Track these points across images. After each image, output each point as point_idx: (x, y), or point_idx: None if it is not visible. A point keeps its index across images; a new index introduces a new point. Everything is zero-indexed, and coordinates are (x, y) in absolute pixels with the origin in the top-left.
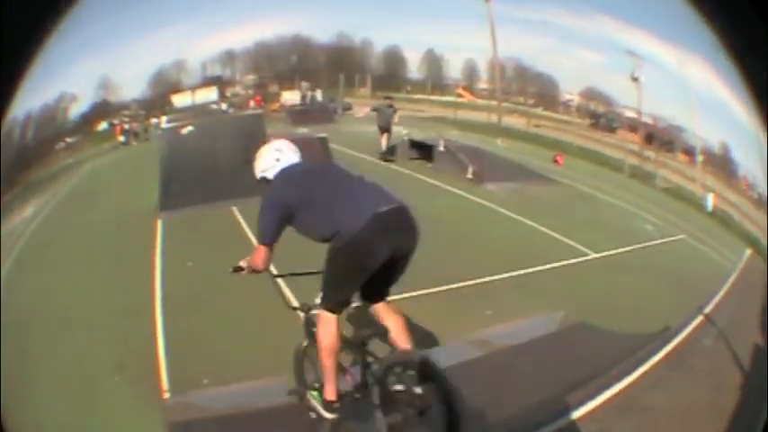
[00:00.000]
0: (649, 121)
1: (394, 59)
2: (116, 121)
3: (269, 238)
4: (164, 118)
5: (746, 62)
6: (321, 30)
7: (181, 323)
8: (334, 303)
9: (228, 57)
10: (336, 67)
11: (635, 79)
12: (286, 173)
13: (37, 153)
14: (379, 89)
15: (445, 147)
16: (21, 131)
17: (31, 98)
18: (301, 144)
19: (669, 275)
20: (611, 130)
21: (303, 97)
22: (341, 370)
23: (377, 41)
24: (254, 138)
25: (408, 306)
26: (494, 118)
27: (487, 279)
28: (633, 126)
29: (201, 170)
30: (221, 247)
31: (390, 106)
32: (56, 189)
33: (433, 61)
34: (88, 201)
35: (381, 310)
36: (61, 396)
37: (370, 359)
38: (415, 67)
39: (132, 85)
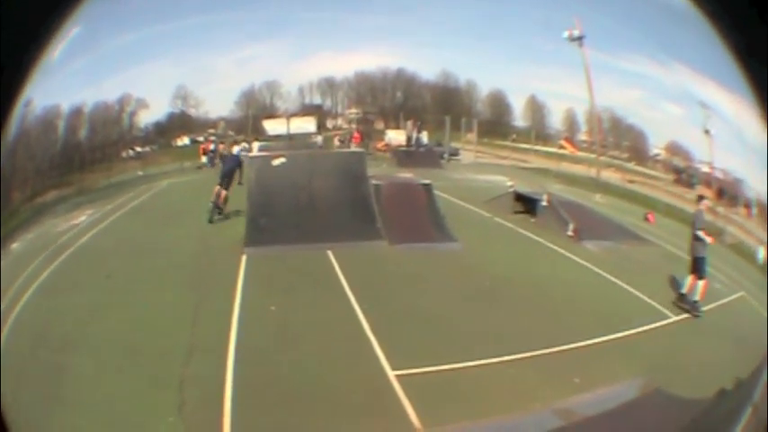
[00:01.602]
0: (720, 176)
1: (499, 104)
2: (200, 139)
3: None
4: (255, 144)
5: None
6: (425, 66)
7: (254, 371)
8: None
9: (328, 85)
10: (442, 108)
11: (707, 132)
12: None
13: (94, 156)
14: (485, 135)
15: (548, 202)
16: (67, 126)
17: (78, 91)
18: (405, 188)
19: (731, 335)
20: (691, 186)
21: (409, 138)
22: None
23: (482, 84)
24: (356, 178)
25: (502, 371)
26: (593, 171)
27: (578, 344)
28: (708, 181)
29: (295, 207)
30: (310, 293)
31: None
32: (121, 200)
33: (537, 109)
34: (163, 221)
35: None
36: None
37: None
38: (519, 114)
39: (217, 102)
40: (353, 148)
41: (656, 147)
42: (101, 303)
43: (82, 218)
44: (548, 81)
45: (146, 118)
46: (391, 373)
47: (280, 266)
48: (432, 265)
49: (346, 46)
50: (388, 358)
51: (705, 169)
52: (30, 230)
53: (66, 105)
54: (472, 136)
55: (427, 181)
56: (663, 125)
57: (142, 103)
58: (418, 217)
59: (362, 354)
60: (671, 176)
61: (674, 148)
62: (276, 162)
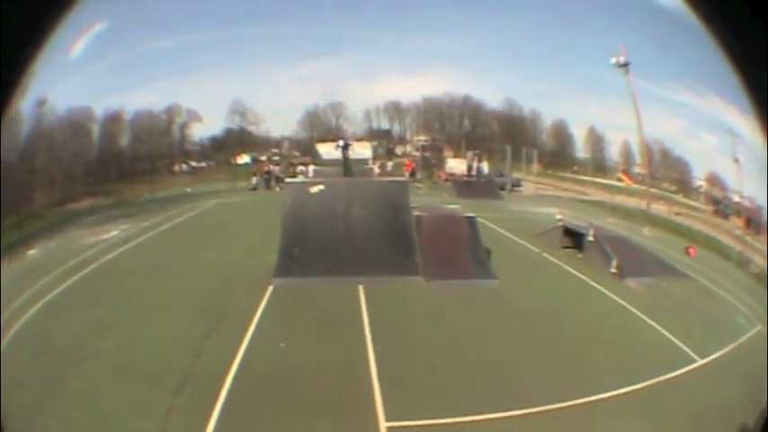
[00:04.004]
0: (747, 204)
1: (562, 135)
2: (263, 158)
3: None
4: (311, 167)
5: None
6: (490, 92)
7: (242, 410)
8: None
9: (395, 109)
10: (508, 137)
11: (736, 160)
12: None
13: (136, 167)
14: (550, 166)
15: (594, 237)
16: (103, 131)
17: (112, 94)
18: (448, 221)
19: (751, 375)
20: (726, 216)
21: (469, 168)
22: None
23: (545, 113)
24: (398, 209)
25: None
26: (643, 204)
27: (596, 397)
28: (738, 210)
29: (331, 237)
30: (327, 331)
31: None
32: (161, 218)
33: (596, 140)
34: (199, 244)
35: None
36: None
37: None
38: (581, 146)
39: (278, 120)
40: (396, 178)
41: (699, 178)
42: (111, 322)
43: (114, 232)
44: (605, 111)
45: (199, 132)
46: (383, 425)
47: (304, 299)
48: (462, 305)
49: (412, 68)
50: (385, 407)
51: (736, 198)
52: (52, 238)
53: (99, 109)
54: (535, 167)
55: (472, 214)
56: (702, 155)
57: (194, 115)
58: (459, 252)
59: (360, 401)
60: (711, 208)
61: (713, 179)
62: (314, 189)
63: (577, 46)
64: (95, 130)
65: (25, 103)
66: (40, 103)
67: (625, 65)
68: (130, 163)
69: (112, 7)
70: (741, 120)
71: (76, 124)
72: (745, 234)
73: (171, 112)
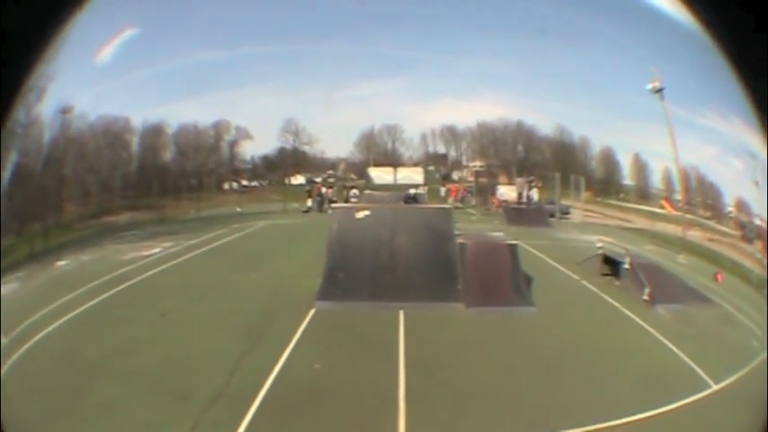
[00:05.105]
0: (765, 227)
1: (609, 162)
2: (317, 180)
3: None
4: (366, 192)
5: None
6: (542, 118)
7: (271, 427)
8: None
9: (451, 134)
10: (558, 164)
11: (756, 183)
12: None
13: (182, 184)
14: (599, 193)
15: (630, 265)
16: (143, 144)
17: (152, 107)
18: (490, 249)
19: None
20: (751, 241)
21: (519, 195)
22: None
23: (594, 140)
24: (441, 236)
25: None
26: (680, 231)
27: (605, 425)
28: (759, 234)
29: (375, 263)
30: (362, 354)
31: None
32: (207, 237)
33: (640, 167)
34: (245, 265)
35: None
36: None
37: None
38: (627, 173)
39: (333, 141)
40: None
41: (729, 204)
42: (145, 338)
43: (155, 249)
44: (647, 138)
45: (250, 150)
46: None
47: (344, 323)
48: (499, 332)
49: (466, 92)
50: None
51: (757, 222)
52: (86, 251)
53: (137, 121)
54: (585, 194)
55: (514, 241)
56: (731, 180)
57: (244, 133)
58: (499, 279)
59: (385, 423)
60: (738, 233)
61: (740, 204)
62: (360, 215)
63: (622, 72)
64: (134, 141)
65: (45, 108)
66: (66, 110)
67: (660, 90)
68: (175, 178)
69: (141, 13)
70: (761, 142)
71: (112, 134)
72: (763, 257)
73: (219, 127)
